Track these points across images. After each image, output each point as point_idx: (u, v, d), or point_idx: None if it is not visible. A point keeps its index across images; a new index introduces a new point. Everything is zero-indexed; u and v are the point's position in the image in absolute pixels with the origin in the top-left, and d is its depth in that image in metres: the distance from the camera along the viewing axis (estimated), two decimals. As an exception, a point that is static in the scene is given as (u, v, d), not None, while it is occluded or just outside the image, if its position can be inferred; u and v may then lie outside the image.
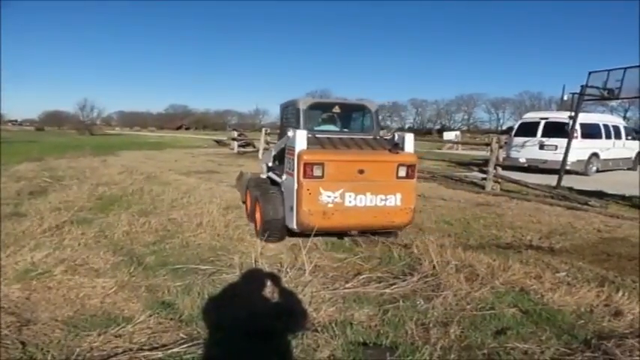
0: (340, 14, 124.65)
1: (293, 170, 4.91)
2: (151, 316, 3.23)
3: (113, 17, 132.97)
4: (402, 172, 5.07)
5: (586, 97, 10.87)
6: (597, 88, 10.72)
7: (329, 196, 4.82)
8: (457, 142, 31.58)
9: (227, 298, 3.59)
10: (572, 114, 11.00)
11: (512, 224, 6.74)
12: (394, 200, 5.02)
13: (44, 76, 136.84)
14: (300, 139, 4.88)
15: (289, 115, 6.08)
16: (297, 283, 3.85)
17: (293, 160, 4.91)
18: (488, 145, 11.55)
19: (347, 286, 3.82)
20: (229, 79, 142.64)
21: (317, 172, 4.79)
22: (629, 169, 15.99)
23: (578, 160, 13.43)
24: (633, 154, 16.10)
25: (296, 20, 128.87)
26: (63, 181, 9.69)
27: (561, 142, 13.68)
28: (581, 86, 10.74)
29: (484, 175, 10.95)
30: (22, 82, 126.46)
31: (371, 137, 5.61)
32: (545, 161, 13.69)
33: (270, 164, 6.50)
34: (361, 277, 4.11)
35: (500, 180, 10.63)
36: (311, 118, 5.77)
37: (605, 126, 14.94)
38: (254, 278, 3.94)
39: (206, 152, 22.24)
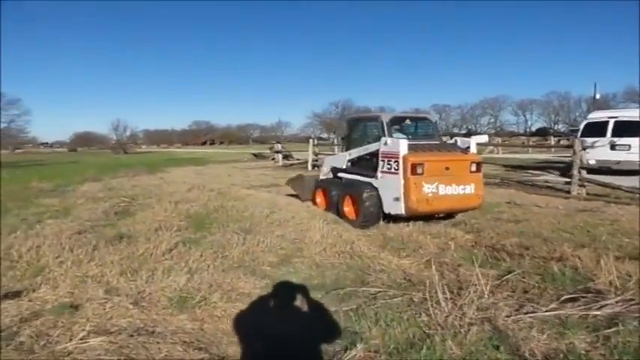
0: (359, 23, 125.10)
1: (397, 170, 6.39)
2: (348, 349, 2.92)
3: (131, 39, 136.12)
4: (473, 168, 6.79)
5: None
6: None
7: (429, 188, 6.31)
8: (529, 145, 30.73)
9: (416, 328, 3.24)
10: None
11: (636, 230, 6.24)
12: (470, 189, 6.66)
13: (70, 98, 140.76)
14: (403, 146, 6.42)
15: (368, 127, 7.82)
16: (481, 305, 3.47)
17: (396, 162, 6.41)
18: (569, 147, 11.00)
19: (544, 309, 3.41)
20: (250, 93, 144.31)
21: (419, 170, 6.28)
22: None
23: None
24: None
25: (314, 30, 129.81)
26: (139, 200, 9.55)
27: (634, 141, 13.08)
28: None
29: (567, 179, 10.43)
30: (51, 106, 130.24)
31: (438, 142, 7.43)
32: (618, 162, 13.01)
33: (341, 166, 7.97)
34: (546, 297, 3.72)
35: (585, 184, 10.10)
36: (390, 129, 7.15)
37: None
38: (430, 300, 3.58)
39: (249, 166, 22.13)
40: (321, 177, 8.50)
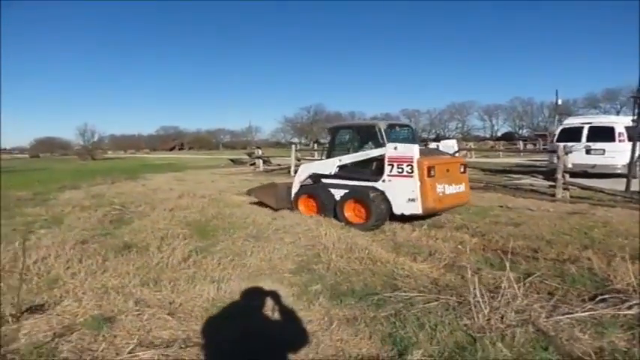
0: (328, 26, 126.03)
1: (411, 173, 6.86)
2: (402, 354, 2.95)
3: (97, 41, 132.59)
4: (462, 169, 7.74)
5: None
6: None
7: (439, 188, 6.98)
8: (500, 150, 31.50)
9: (462, 331, 3.30)
10: (635, 118, 10.93)
11: (630, 232, 6.55)
12: (462, 187, 7.55)
13: (29, 102, 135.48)
14: (416, 151, 6.96)
15: (362, 135, 8.22)
16: (516, 307, 3.56)
17: (409, 166, 6.89)
18: (536, 151, 11.41)
19: (579, 310, 3.54)
20: (219, 98, 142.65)
21: (432, 172, 6.85)
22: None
23: (628, 164, 13.34)
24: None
25: (284, 35, 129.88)
26: (130, 209, 9.30)
27: (608, 146, 13.72)
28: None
29: (551, 183, 10.83)
30: (7, 111, 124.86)
31: (429, 148, 8.74)
32: (593, 165, 13.59)
33: (327, 172, 8.05)
34: (572, 297, 3.86)
35: (569, 187, 10.51)
36: (387, 135, 7.56)
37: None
38: (468, 305, 3.65)
39: (229, 172, 21.85)
40: (297, 184, 8.50)
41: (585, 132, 14.24)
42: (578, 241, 6.10)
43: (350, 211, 7.45)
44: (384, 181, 7.19)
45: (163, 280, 4.49)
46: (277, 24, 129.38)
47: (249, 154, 26.41)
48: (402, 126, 8.73)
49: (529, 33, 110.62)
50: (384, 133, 7.56)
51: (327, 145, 8.90)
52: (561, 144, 11.09)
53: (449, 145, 8.88)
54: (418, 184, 6.78)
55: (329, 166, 8.09)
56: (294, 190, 8.47)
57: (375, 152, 7.53)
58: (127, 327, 3.36)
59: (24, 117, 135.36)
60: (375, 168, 7.57)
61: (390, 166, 7.08)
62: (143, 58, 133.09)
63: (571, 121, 15.76)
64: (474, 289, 3.62)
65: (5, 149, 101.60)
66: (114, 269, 4.84)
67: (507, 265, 3.92)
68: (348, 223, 7.23)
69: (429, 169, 6.78)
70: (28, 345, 3.12)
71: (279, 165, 22.05)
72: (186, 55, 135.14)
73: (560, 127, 15.33)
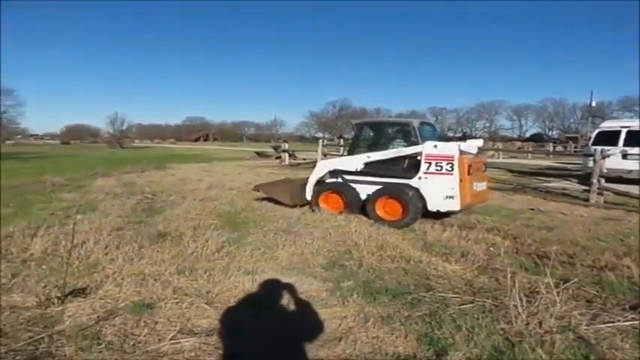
0: (357, 23, 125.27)
1: (451, 171, 7.04)
2: (440, 355, 2.94)
3: (127, 31, 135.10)
4: (484, 168, 8.09)
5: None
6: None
7: (474, 185, 7.31)
8: (529, 151, 30.90)
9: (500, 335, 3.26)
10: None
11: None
12: (484, 185, 7.93)
13: (61, 90, 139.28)
14: (456, 150, 7.15)
15: (394, 132, 8.36)
16: (555, 314, 3.49)
17: (449, 164, 7.06)
18: (567, 154, 11.11)
19: (620, 318, 3.46)
20: (245, 90, 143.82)
21: (470, 170, 7.16)
22: None
23: (665, 170, 12.91)
24: None
25: (313, 30, 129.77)
26: (161, 197, 9.50)
27: (646, 151, 13.27)
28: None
29: (585, 187, 10.56)
30: (40, 98, 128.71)
31: None
32: (630, 171, 13.16)
33: (353, 169, 7.93)
34: (610, 305, 3.77)
35: (603, 192, 10.22)
36: (421, 133, 7.73)
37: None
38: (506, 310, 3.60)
39: (255, 164, 22.07)
40: (313, 180, 8.28)
41: (623, 136, 13.81)
42: (616, 248, 5.93)
43: (382, 208, 7.40)
44: (419, 178, 7.26)
45: (198, 269, 4.58)
46: (305, 18, 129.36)
47: (275, 148, 26.63)
48: (428, 124, 8.81)
49: (564, 32, 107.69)
50: (418, 132, 7.69)
51: (352, 141, 8.81)
52: (598, 147, 10.76)
53: (472, 146, 8.58)
54: (458, 181, 6.98)
55: (354, 162, 7.98)
56: (310, 186, 8.27)
57: (409, 150, 7.56)
58: (167, 314, 3.44)
59: (54, 104, 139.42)
60: (406, 165, 7.63)
61: (427, 164, 7.19)
62: (172, 49, 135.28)
63: (608, 125, 15.29)
64: (512, 292, 3.58)
65: (37, 135, 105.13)
66: (150, 257, 4.95)
67: (547, 270, 3.86)
68: (380, 220, 7.19)
69: (469, 167, 7.07)
70: (73, 327, 3.23)
71: (304, 159, 22.12)
72: (214, 47, 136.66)
73: (597, 131, 14.89)
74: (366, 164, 7.82)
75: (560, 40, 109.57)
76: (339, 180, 8.06)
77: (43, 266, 4.66)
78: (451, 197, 7.02)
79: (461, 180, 7.01)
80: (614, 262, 5.16)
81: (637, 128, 13.87)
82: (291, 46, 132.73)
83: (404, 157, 7.67)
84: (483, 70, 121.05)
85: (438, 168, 7.11)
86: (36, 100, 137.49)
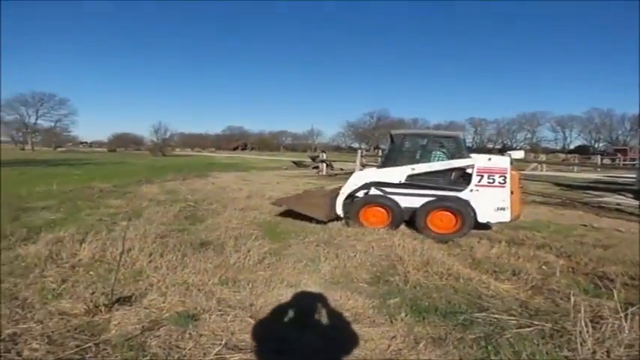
0: (397, 33, 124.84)
1: (503, 183, 7.25)
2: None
3: (172, 44, 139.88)
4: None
5: None
6: None
7: (517, 197, 7.39)
8: (574, 164, 29.69)
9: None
10: None
11: None
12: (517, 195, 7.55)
13: (110, 100, 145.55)
14: (509, 162, 7.38)
15: (440, 144, 7.86)
16: (625, 342, 3.20)
17: (502, 177, 7.27)
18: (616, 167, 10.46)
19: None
20: (284, 101, 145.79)
21: (520, 183, 7.45)
22: None
23: None
24: None
25: (352, 40, 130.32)
26: (203, 206, 9.61)
27: None
28: None
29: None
30: (88, 107, 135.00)
31: None
32: (690, 187, 12.34)
33: (395, 181, 7.59)
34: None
35: (662, 208, 9.59)
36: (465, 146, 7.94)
37: None
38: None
39: (293, 174, 22.14)
40: (348, 192, 7.78)
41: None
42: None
43: (434, 221, 7.28)
44: (471, 190, 7.32)
45: (241, 280, 4.53)
46: (344, 29, 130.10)
47: (313, 158, 26.67)
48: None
49: (612, 39, 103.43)
50: (464, 144, 7.80)
51: (390, 152, 8.22)
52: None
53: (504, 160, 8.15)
54: (509, 193, 7.21)
55: (397, 174, 7.64)
56: (342, 199, 7.78)
57: (460, 162, 7.49)
58: (212, 327, 3.39)
59: (102, 113, 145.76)
60: (454, 177, 7.54)
61: (479, 177, 7.31)
62: (213, 61, 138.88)
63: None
64: (577, 317, 3.32)
65: (86, 142, 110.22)
66: (193, 266, 4.94)
67: (615, 293, 3.57)
68: (430, 232, 7.13)
69: (519, 180, 7.30)
70: (119, 337, 3.22)
71: (341, 169, 22.03)
72: (254, 59, 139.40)
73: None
74: (410, 176, 7.56)
75: (608, 48, 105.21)
76: (379, 192, 7.72)
77: (91, 272, 4.74)
78: (502, 209, 7.22)
79: (512, 192, 7.22)
80: (683, 286, 4.75)
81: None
82: (329, 57, 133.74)
83: (451, 170, 7.55)
84: (525, 80, 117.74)
85: (491, 180, 7.28)
86: (86, 109, 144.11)
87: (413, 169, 7.55)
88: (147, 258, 5.13)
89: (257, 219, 8.15)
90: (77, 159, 36.28)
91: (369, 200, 7.68)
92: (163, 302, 3.86)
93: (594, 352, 3.06)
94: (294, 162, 29.47)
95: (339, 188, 8.38)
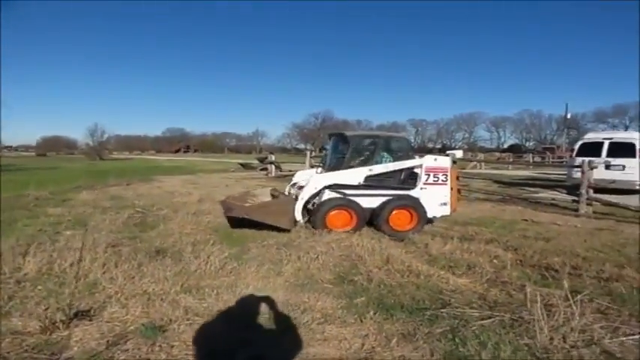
0: (339, 35, 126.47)
1: (445, 181, 7.99)
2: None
3: (105, 39, 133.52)
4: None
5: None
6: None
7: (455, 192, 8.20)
8: (509, 162, 31.28)
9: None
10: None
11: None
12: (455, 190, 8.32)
13: (36, 100, 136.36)
14: (450, 162, 8.15)
15: (398, 145, 8.42)
16: (578, 327, 3.45)
17: (444, 175, 8.00)
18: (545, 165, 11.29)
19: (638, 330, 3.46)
20: (226, 102, 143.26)
21: (458, 180, 8.28)
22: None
23: (647, 179, 13.22)
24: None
25: (294, 41, 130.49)
26: (152, 211, 9.26)
27: (628, 161, 13.60)
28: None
29: (574, 198, 10.73)
30: (14, 110, 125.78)
31: None
32: (613, 181, 13.43)
33: (354, 183, 7.62)
34: (624, 318, 3.77)
35: (592, 202, 10.41)
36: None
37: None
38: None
39: (241, 176, 21.83)
40: (307, 196, 7.53)
41: (606, 147, 14.12)
42: (615, 258, 5.99)
43: (397, 219, 7.61)
44: (421, 188, 7.86)
45: (205, 287, 4.43)
46: (287, 29, 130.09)
47: (260, 160, 26.40)
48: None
49: (541, 45, 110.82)
50: (410, 145, 8.32)
51: (347, 155, 7.92)
52: (586, 159, 10.96)
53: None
54: (450, 190, 7.98)
55: (355, 176, 7.66)
56: (302, 204, 7.46)
57: (411, 162, 8.01)
58: (182, 337, 3.29)
59: (28, 115, 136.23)
60: (404, 177, 7.92)
61: (427, 176, 7.90)
62: (151, 59, 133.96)
63: (591, 136, 15.62)
64: (533, 307, 3.55)
65: (10, 147, 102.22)
66: (151, 275, 4.76)
67: (565, 283, 3.85)
68: (392, 231, 7.38)
69: (457, 177, 8.00)
70: (83, 354, 3.06)
71: (290, 170, 21.97)
72: (195, 58, 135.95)
73: (581, 142, 15.19)
74: (367, 177, 7.67)
75: (537, 53, 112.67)
76: (338, 195, 7.63)
77: (39, 287, 4.43)
78: (445, 204, 7.97)
79: (452, 188, 8.01)
80: (617, 272, 5.20)
81: (619, 139, 14.22)
82: (272, 58, 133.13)
83: (402, 170, 7.90)
84: (462, 83, 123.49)
85: (436, 179, 7.95)
86: (5, 111, 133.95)
87: (370, 170, 7.69)
88: (100, 269, 4.88)
89: (212, 223, 7.98)
90: (4, 164, 33.67)
91: (336, 204, 7.49)
92: (126, 314, 3.70)
93: (551, 339, 3.28)
94: (241, 164, 29.06)
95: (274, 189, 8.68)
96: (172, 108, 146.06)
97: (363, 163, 7.89)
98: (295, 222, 7.37)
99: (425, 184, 7.86)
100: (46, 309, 3.78)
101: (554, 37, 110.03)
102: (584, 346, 3.19)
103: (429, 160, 7.96)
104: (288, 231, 7.03)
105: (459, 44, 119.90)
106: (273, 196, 8.47)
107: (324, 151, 9.66)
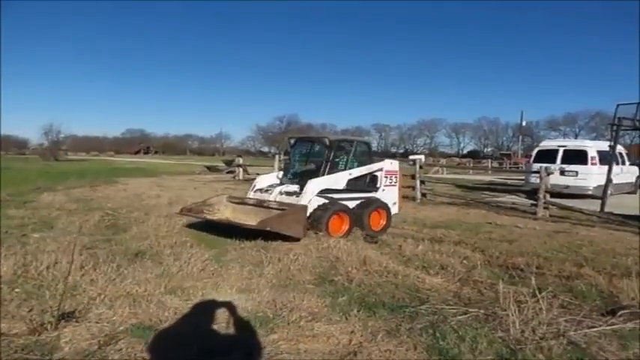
0: (305, 38, 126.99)
1: (395, 183, 8.76)
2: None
3: (60, 33, 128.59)
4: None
5: (623, 128, 11.54)
6: (631, 119, 11.49)
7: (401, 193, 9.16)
8: (470, 167, 32.15)
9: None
10: (612, 144, 11.64)
11: (615, 250, 6.96)
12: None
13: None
14: (398, 165, 9.06)
15: (358, 149, 8.48)
16: (546, 321, 3.74)
17: (395, 177, 8.78)
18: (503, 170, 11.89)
19: (601, 324, 3.79)
20: (189, 102, 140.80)
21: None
22: (629, 192, 16.88)
23: (598, 185, 14.10)
24: (634, 179, 17.10)
25: (259, 42, 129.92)
26: (122, 214, 9.10)
27: (581, 168, 14.48)
28: (618, 118, 11.46)
29: (532, 202, 11.33)
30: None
31: None
32: (567, 186, 14.28)
33: (340, 187, 7.80)
34: (585, 312, 4.11)
35: (549, 206, 11.03)
36: None
37: (619, 153, 15.78)
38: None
39: (208, 179, 21.60)
40: (315, 203, 7.36)
41: (560, 154, 14.98)
42: (573, 258, 6.43)
43: (374, 220, 8.00)
44: (382, 190, 8.48)
45: (189, 288, 4.48)
46: (252, 30, 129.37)
47: (227, 162, 26.22)
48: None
49: (498, 54, 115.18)
50: (370, 150, 9.05)
51: (330, 159, 7.93)
52: (543, 165, 11.62)
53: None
54: (398, 190, 8.84)
55: (340, 180, 7.81)
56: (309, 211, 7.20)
57: (377, 166, 8.56)
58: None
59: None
60: (368, 180, 8.50)
61: (386, 178, 8.59)
62: (110, 55, 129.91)
63: (547, 144, 16.53)
64: (505, 302, 3.82)
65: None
66: (132, 277, 4.76)
67: (533, 280, 4.15)
68: (371, 231, 7.73)
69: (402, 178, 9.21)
70: (75, 354, 3.07)
71: (257, 174, 21.91)
72: (156, 56, 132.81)
73: (537, 149, 16.06)
74: (348, 181, 7.93)
75: (494, 61, 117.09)
76: (325, 200, 7.48)
77: (17, 289, 4.35)
78: (395, 204, 8.66)
79: (399, 189, 8.92)
80: (576, 271, 5.60)
81: (572, 147, 15.13)
82: (236, 58, 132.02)
83: (369, 173, 8.42)
84: (425, 89, 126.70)
85: (391, 181, 8.68)
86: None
87: (350, 174, 7.95)
88: (79, 271, 4.83)
89: (187, 226, 7.94)
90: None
91: (336, 209, 7.42)
92: (113, 316, 3.71)
93: (523, 332, 3.55)
94: (207, 167, 28.73)
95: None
96: (132, 108, 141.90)
97: (343, 167, 8.05)
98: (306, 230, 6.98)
99: (385, 186, 8.52)
100: (30, 310, 3.74)
101: (511, 47, 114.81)
102: (552, 338, 3.47)
103: (387, 164, 8.71)
104: (298, 240, 6.71)
105: (422, 51, 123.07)
106: (233, 203, 8.11)
107: (288, 155, 9.23)
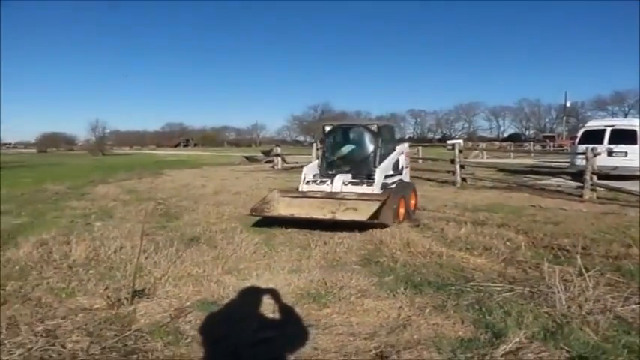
0: (338, 27, 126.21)
1: (409, 165, 9.50)
2: (498, 336, 3.22)
3: (102, 36, 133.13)
4: None
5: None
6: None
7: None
8: (511, 151, 31.49)
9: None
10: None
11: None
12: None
13: (34, 97, 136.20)
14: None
15: (390, 134, 9.03)
16: (592, 297, 3.80)
17: (409, 159, 9.56)
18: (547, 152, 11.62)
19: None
20: (224, 95, 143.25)
21: None
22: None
23: (648, 166, 13.55)
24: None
25: (292, 33, 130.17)
26: (173, 203, 9.61)
27: (630, 148, 13.94)
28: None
29: (579, 184, 11.08)
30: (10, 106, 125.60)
31: None
32: (615, 168, 13.81)
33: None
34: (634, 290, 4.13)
35: (596, 188, 10.76)
36: None
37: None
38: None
39: (248, 169, 22.19)
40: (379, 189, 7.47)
41: (607, 135, 14.47)
42: (621, 239, 6.33)
43: (408, 205, 7.90)
44: (405, 172, 9.10)
45: (244, 269, 4.79)
46: (286, 22, 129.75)
47: (265, 152, 26.72)
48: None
49: (538, 34, 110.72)
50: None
51: (379, 146, 8.06)
52: (589, 146, 11.30)
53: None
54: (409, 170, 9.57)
55: (390, 165, 8.27)
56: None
57: (402, 149, 9.16)
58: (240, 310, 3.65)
59: (26, 112, 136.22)
60: (397, 163, 8.77)
61: (406, 160, 9.20)
62: (149, 54, 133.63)
63: (593, 124, 15.98)
64: (550, 280, 3.91)
65: (9, 144, 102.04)
66: (191, 259, 5.12)
67: (579, 259, 4.20)
68: (408, 214, 7.68)
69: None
70: (151, 325, 3.40)
71: (296, 163, 22.29)
72: (192, 52, 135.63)
73: (583, 130, 15.55)
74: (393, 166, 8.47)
75: (535, 41, 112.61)
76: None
77: (91, 271, 4.79)
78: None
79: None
80: (624, 251, 5.55)
81: (620, 127, 14.56)
82: (271, 50, 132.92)
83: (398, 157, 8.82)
84: (462, 73, 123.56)
85: (406, 163, 9.23)
86: (7, 108, 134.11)
87: (393, 159, 8.35)
88: (142, 254, 5.22)
89: (233, 213, 8.33)
90: (8, 162, 33.92)
91: (400, 194, 7.54)
92: (179, 293, 4.06)
93: (569, 307, 3.64)
94: (246, 157, 29.39)
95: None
96: (170, 103, 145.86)
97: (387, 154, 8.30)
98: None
99: (404, 167, 8.99)
100: (106, 289, 4.14)
101: (552, 26, 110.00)
102: (598, 313, 3.54)
103: (406, 147, 9.51)
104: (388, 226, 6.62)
105: (458, 34, 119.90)
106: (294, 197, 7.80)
107: (324, 144, 8.76)
